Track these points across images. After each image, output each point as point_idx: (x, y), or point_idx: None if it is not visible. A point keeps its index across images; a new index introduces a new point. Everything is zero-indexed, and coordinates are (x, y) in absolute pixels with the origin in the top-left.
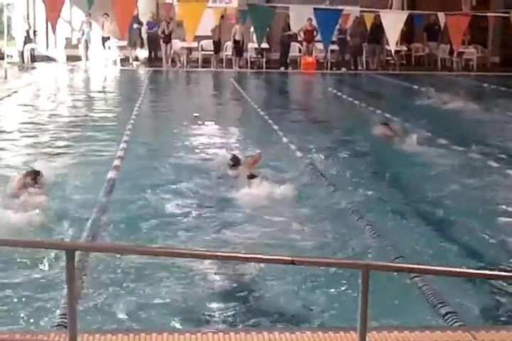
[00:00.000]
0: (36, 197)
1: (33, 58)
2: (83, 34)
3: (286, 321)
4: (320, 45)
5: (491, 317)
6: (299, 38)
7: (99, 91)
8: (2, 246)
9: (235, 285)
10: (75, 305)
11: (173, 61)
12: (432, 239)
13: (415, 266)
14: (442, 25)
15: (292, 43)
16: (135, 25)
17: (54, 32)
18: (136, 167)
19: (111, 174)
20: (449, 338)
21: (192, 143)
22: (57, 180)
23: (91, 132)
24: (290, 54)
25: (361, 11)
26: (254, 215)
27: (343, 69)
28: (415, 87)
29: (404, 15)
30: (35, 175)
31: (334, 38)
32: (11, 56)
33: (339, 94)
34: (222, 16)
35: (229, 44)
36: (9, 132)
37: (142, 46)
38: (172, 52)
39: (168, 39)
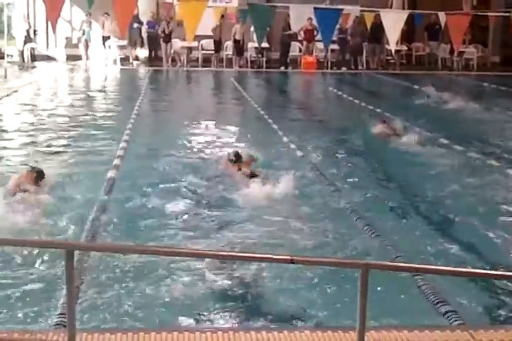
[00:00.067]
0: (36, 196)
1: (33, 57)
2: (83, 33)
3: (285, 320)
4: (320, 45)
5: (492, 315)
6: (299, 38)
7: (100, 91)
8: (1, 246)
9: (234, 284)
10: (73, 305)
11: (173, 60)
12: (430, 238)
13: (415, 266)
14: (443, 24)
15: (292, 43)
16: (135, 25)
17: (54, 31)
18: (135, 166)
19: (111, 173)
20: (447, 337)
21: (192, 143)
22: (56, 179)
23: (91, 131)
24: (290, 53)
25: (361, 11)
26: (253, 214)
27: (344, 69)
28: (415, 86)
29: (404, 14)
30: (37, 173)
31: (334, 38)
32: (11, 55)
33: (339, 93)
34: (222, 16)
35: (229, 43)
36: (9, 131)
37: (142, 45)
38: (172, 51)
39: (168, 38)
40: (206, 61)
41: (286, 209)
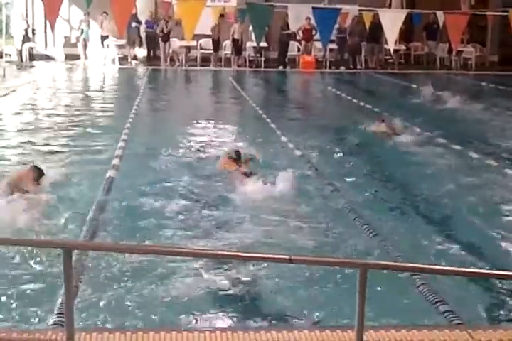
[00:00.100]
0: (35, 195)
1: (32, 57)
2: (82, 33)
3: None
4: (319, 44)
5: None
6: (298, 37)
7: (98, 90)
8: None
9: (233, 283)
10: (71, 304)
11: (171, 60)
12: (429, 237)
13: (413, 265)
14: (441, 24)
15: (291, 42)
16: (134, 24)
17: (53, 31)
18: (134, 165)
19: (109, 173)
20: (446, 337)
21: (190, 142)
22: (55, 178)
23: (89, 131)
24: (289, 53)
25: (360, 10)
26: (251, 213)
27: (342, 68)
28: (414, 85)
29: (403, 14)
30: (37, 172)
31: (333, 37)
32: (10, 55)
33: (338, 92)
34: (221, 15)
35: (228, 43)
36: (7, 131)
37: (141, 45)
38: (171, 50)
39: (166, 38)
40: (205, 60)
41: (285, 208)
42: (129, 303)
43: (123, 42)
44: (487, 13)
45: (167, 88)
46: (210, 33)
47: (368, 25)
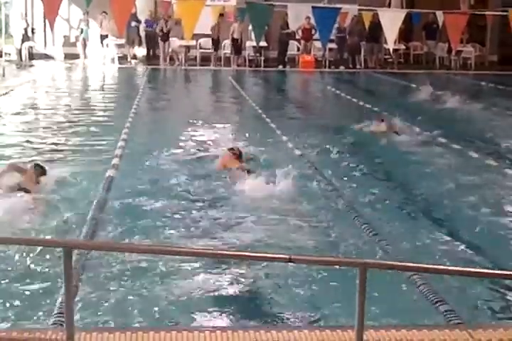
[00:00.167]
0: (36, 194)
1: (31, 56)
2: (81, 32)
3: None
4: (318, 44)
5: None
6: (297, 37)
7: (97, 90)
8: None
9: (233, 282)
10: (72, 303)
11: (171, 59)
12: (429, 237)
13: (412, 265)
14: (441, 23)
15: (290, 42)
16: (133, 24)
17: (52, 30)
18: (134, 165)
19: (109, 172)
20: (446, 337)
21: (190, 141)
22: (55, 177)
23: (89, 130)
24: (288, 52)
25: (359, 10)
26: (251, 212)
27: (342, 68)
28: (413, 85)
29: (402, 13)
30: (39, 170)
31: (332, 37)
32: (9, 54)
33: (337, 92)
34: (221, 14)
35: (227, 42)
36: (7, 130)
37: (140, 44)
38: (170, 50)
39: (166, 37)
40: (204, 60)
41: (284, 207)
42: (128, 303)
43: (122, 41)
44: (486, 12)
45: (167, 87)
46: (210, 33)
47: (367, 24)
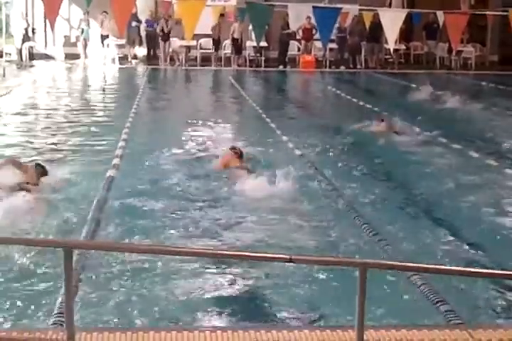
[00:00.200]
0: (36, 193)
1: (32, 56)
2: (82, 32)
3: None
4: (319, 44)
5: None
6: (298, 37)
7: (98, 90)
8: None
9: (233, 282)
10: (72, 303)
11: (171, 59)
12: (429, 237)
13: (413, 265)
14: (441, 23)
15: (291, 42)
16: (134, 24)
17: (52, 30)
18: (134, 164)
19: (110, 172)
20: (446, 337)
21: (190, 141)
22: (55, 176)
23: (90, 130)
24: (289, 52)
25: (360, 10)
26: (251, 212)
27: (342, 68)
28: (414, 85)
29: (403, 13)
30: (41, 170)
31: (333, 37)
32: (9, 54)
33: (338, 92)
34: (221, 14)
35: (228, 42)
36: (7, 130)
37: (141, 44)
38: (171, 50)
39: (166, 37)
40: (205, 60)
41: (285, 207)
42: (129, 303)
43: (123, 41)
44: (487, 12)
45: (167, 87)
46: (210, 33)
47: (368, 24)
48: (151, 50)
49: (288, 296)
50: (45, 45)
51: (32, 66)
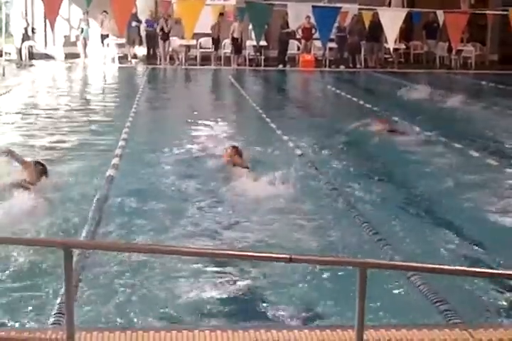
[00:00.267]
0: (37, 192)
1: (31, 56)
2: (82, 32)
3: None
4: (318, 43)
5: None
6: (298, 36)
7: (98, 89)
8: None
9: (233, 282)
10: (72, 303)
11: (171, 58)
12: (430, 236)
13: (413, 264)
14: (441, 23)
15: (290, 41)
16: (134, 23)
17: (52, 29)
18: (134, 164)
19: (110, 171)
20: (446, 336)
21: (190, 141)
22: (55, 176)
23: (89, 129)
24: (288, 51)
25: (360, 9)
26: (251, 212)
27: (342, 67)
28: (413, 84)
29: (402, 13)
30: (42, 168)
31: (333, 36)
32: (9, 53)
33: (337, 91)
34: (221, 14)
35: (227, 41)
36: (7, 129)
37: (141, 44)
38: (170, 49)
39: (166, 36)
40: (204, 59)
41: (285, 207)
42: (128, 302)
43: (123, 41)
44: (487, 12)
45: (167, 87)
46: (210, 32)
47: (367, 24)
48: (151, 50)
49: (288, 296)
50: (45, 45)
51: (32, 65)
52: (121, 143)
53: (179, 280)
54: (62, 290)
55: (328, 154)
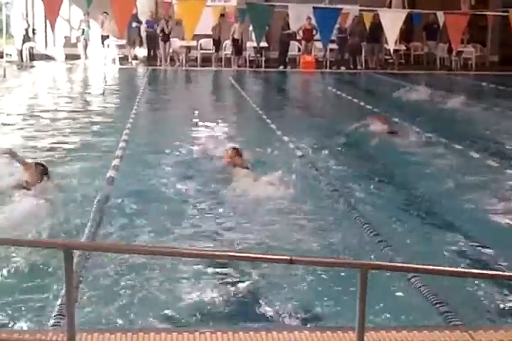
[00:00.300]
0: (37, 193)
1: (32, 57)
2: (82, 33)
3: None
4: (319, 44)
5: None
6: (298, 37)
7: (98, 90)
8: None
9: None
10: (73, 305)
11: (172, 60)
12: (430, 237)
13: (414, 266)
14: (441, 24)
15: (291, 42)
16: (134, 24)
17: (53, 30)
18: (135, 165)
19: (110, 173)
20: (447, 338)
21: (190, 141)
22: (55, 177)
23: (90, 131)
24: (289, 53)
25: (360, 10)
26: (252, 212)
27: (342, 69)
28: (414, 85)
29: (403, 14)
30: (42, 169)
31: (333, 37)
32: (10, 55)
33: (338, 93)
34: (222, 15)
35: (228, 43)
36: (7, 130)
37: (141, 45)
38: (171, 50)
39: (166, 38)
40: (205, 60)
41: (285, 207)
42: (129, 304)
43: (123, 42)
44: (487, 13)
45: (167, 88)
46: (211, 33)
47: (368, 25)
48: (152, 51)
49: (288, 297)
50: (46, 46)
51: (32, 67)
52: (121, 144)
53: (180, 282)
54: (63, 292)
55: (328, 155)
